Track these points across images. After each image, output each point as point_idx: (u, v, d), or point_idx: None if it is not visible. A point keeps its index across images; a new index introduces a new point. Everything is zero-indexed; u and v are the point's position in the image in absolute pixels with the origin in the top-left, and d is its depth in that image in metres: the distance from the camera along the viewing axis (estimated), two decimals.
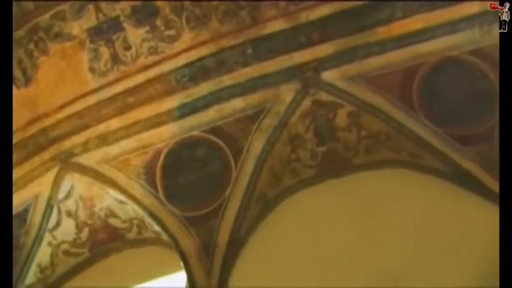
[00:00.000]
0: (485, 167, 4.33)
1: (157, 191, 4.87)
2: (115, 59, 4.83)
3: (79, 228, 5.17)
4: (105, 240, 5.23)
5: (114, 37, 4.81)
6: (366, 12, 4.40)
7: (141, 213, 4.93)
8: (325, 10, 4.44)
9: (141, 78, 4.79)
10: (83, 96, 4.89)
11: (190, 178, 4.82)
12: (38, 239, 5.01)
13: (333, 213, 4.60)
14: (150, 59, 4.79)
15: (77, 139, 4.92)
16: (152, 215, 4.89)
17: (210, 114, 4.76)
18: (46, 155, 4.96)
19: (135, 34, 4.78)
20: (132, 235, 5.19)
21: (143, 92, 4.80)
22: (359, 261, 4.31)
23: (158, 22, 4.74)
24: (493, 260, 3.49)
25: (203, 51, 4.69)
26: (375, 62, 4.47)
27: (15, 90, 4.88)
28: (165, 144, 4.85)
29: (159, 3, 4.71)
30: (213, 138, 4.79)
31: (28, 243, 4.98)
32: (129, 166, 4.90)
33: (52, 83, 4.93)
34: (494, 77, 4.27)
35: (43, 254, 5.09)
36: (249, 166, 4.73)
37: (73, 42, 4.87)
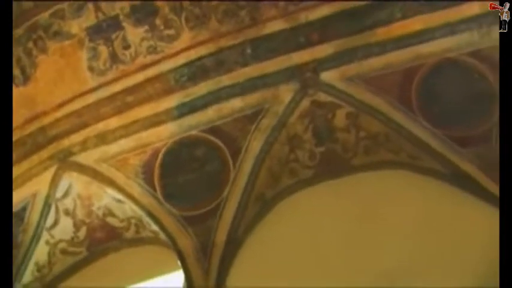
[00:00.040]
0: (484, 169, 4.33)
1: (155, 190, 4.86)
2: (114, 58, 4.82)
3: (77, 227, 5.16)
4: (102, 239, 5.22)
5: (113, 36, 4.80)
6: (365, 13, 4.39)
7: (139, 212, 4.93)
8: (324, 10, 4.44)
9: (140, 77, 4.78)
10: (82, 95, 4.89)
11: (188, 178, 4.82)
12: (36, 237, 5.00)
13: (331, 214, 4.60)
14: (149, 58, 4.79)
15: (76, 138, 4.91)
16: (150, 215, 4.88)
17: (209, 114, 4.76)
18: (44, 153, 4.95)
19: (134, 33, 4.78)
20: (130, 234, 5.19)
21: (142, 91, 4.79)
22: (357, 262, 4.31)
23: (157, 21, 4.74)
24: (491, 260, 3.51)
25: (202, 50, 4.68)
26: (374, 62, 4.47)
27: (13, 89, 4.87)
28: (164, 144, 4.85)
29: (158, 3, 4.71)
30: (212, 138, 4.78)
31: (26, 242, 4.97)
32: (127, 165, 4.90)
33: (51, 82, 4.93)
34: (493, 78, 4.28)
35: (40, 253, 5.09)
36: (247, 166, 4.73)
37: (72, 41, 4.86)
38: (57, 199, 5.01)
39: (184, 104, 4.76)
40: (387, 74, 4.50)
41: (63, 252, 5.21)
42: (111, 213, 5.10)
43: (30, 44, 4.89)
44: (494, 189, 4.20)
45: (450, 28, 4.31)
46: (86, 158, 4.94)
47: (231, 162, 4.75)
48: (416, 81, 4.47)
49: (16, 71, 4.89)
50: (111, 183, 4.92)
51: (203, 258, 4.68)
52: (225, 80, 4.70)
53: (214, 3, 4.63)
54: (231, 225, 4.72)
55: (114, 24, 4.78)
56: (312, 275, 4.35)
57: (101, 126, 4.88)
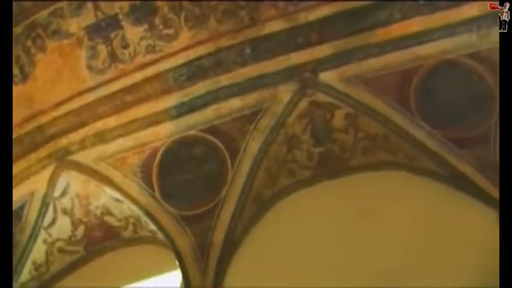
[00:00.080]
0: (481, 170, 4.36)
1: (153, 189, 4.86)
2: (113, 57, 4.82)
3: (74, 226, 5.16)
4: (100, 238, 5.22)
5: (112, 35, 4.80)
6: (364, 14, 4.40)
7: (137, 211, 4.93)
8: (324, 11, 4.45)
9: (138, 76, 4.78)
10: (80, 93, 4.88)
11: (186, 177, 4.82)
12: (33, 236, 5.00)
13: (329, 214, 4.61)
14: (148, 57, 4.78)
15: (74, 137, 4.90)
16: (148, 214, 4.88)
17: (208, 114, 4.76)
18: (42, 152, 4.94)
19: (133, 32, 4.78)
20: (127, 233, 5.18)
21: (141, 90, 4.79)
22: (354, 262, 4.32)
23: (157, 21, 4.74)
24: (488, 261, 3.53)
25: (201, 50, 4.69)
26: (373, 63, 4.48)
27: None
28: (162, 143, 4.85)
29: (158, 2, 4.71)
30: (210, 137, 4.79)
31: (23, 241, 4.96)
32: (125, 164, 4.89)
33: (49, 80, 4.92)
34: (491, 80, 4.30)
35: (38, 252, 5.08)
36: (245, 166, 4.73)
37: (71, 40, 4.86)
38: (55, 198, 5.01)
39: (183, 103, 4.76)
40: (386, 75, 4.51)
41: (61, 251, 5.21)
42: (109, 213, 5.10)
43: (29, 43, 4.88)
44: (492, 190, 4.24)
45: (449, 29, 4.33)
46: (84, 157, 4.93)
47: (229, 162, 4.75)
48: (415, 82, 4.48)
49: (15, 70, 4.87)
50: (109, 182, 4.92)
51: (201, 258, 4.68)
52: (224, 79, 4.70)
53: (213, 3, 4.64)
54: (228, 225, 4.72)
55: (113, 23, 4.78)
56: (309, 275, 4.36)
57: (99, 125, 4.87)
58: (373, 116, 4.59)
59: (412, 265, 4.17)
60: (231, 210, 4.73)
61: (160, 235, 4.87)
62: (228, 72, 4.67)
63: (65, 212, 5.08)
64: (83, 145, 4.91)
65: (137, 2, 4.73)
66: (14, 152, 4.82)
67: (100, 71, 4.85)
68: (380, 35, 4.42)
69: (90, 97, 4.86)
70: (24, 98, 4.91)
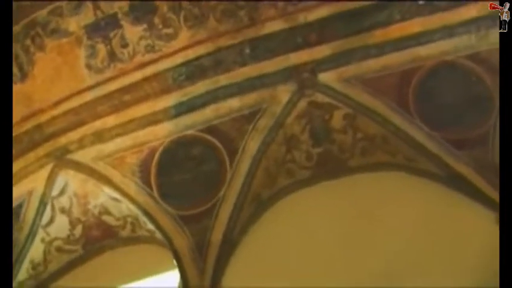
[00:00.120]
0: (479, 171, 4.36)
1: (151, 189, 4.86)
2: (112, 56, 4.82)
3: (72, 225, 5.14)
4: (98, 238, 5.21)
5: (112, 34, 4.79)
6: (364, 15, 4.41)
7: (135, 211, 4.92)
8: (323, 11, 4.45)
9: (137, 76, 4.78)
10: (79, 92, 4.87)
11: (185, 177, 4.81)
12: (31, 235, 4.98)
13: (327, 215, 4.60)
14: (147, 57, 4.78)
15: (72, 136, 4.89)
16: (146, 213, 4.87)
17: (206, 114, 4.76)
18: (41, 151, 4.93)
19: (132, 32, 4.77)
20: (125, 233, 5.17)
21: (139, 89, 4.79)
22: (353, 262, 4.32)
23: (156, 20, 4.73)
24: (486, 262, 3.53)
25: (200, 50, 4.68)
26: (372, 64, 4.48)
27: None
28: (161, 143, 4.84)
29: (157, 2, 4.70)
30: (209, 137, 4.78)
31: (21, 239, 4.95)
32: (124, 164, 4.89)
33: (48, 79, 4.91)
34: (490, 81, 4.31)
35: (36, 251, 5.07)
36: (244, 166, 4.73)
37: (70, 39, 4.85)
38: (53, 197, 5.00)
39: (181, 103, 4.75)
40: (385, 76, 4.51)
41: (59, 250, 5.19)
42: (107, 212, 5.09)
43: (28, 41, 4.87)
44: (490, 191, 4.25)
45: (448, 31, 4.34)
46: (82, 156, 4.92)
47: (227, 162, 4.75)
48: (414, 83, 4.49)
49: (14, 68, 4.85)
50: (108, 181, 4.91)
51: (199, 257, 4.67)
52: (223, 79, 4.70)
53: (213, 2, 4.64)
54: (227, 225, 4.71)
55: (113, 22, 4.78)
56: (308, 276, 4.35)
57: (98, 125, 4.87)
58: (372, 116, 4.59)
59: (410, 265, 4.17)
60: (229, 210, 4.72)
61: (158, 234, 4.86)
62: (227, 72, 4.66)
63: (63, 211, 5.07)
64: (81, 144, 4.90)
65: (136, 2, 4.72)
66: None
67: (99, 70, 4.84)
68: (379, 35, 4.43)
69: (89, 96, 4.86)
70: (23, 96, 4.91)
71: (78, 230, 5.18)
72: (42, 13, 4.84)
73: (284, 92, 4.64)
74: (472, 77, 4.38)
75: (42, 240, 5.08)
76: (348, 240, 4.44)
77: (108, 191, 4.95)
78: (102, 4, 4.75)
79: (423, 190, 4.50)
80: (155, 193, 4.85)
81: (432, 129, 4.47)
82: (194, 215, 4.76)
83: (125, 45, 4.79)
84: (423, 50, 4.39)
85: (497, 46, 3.70)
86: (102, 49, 4.82)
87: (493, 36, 4.16)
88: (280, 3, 4.53)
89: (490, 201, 4.21)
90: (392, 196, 4.52)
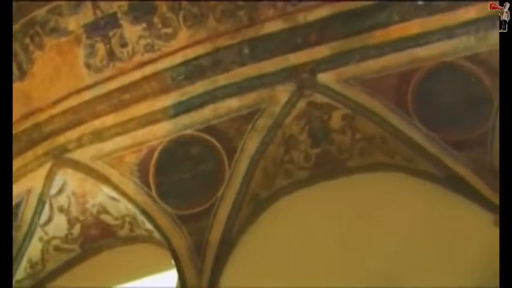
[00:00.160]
0: (478, 172, 4.37)
1: (150, 188, 4.85)
2: (111, 55, 4.82)
3: (71, 224, 5.14)
4: (96, 237, 5.20)
5: (111, 33, 4.80)
6: (363, 15, 4.41)
7: (134, 210, 4.92)
8: (323, 12, 4.45)
9: (137, 75, 4.78)
10: (78, 91, 4.87)
11: (183, 176, 4.81)
12: (29, 234, 4.97)
13: (326, 215, 4.60)
14: (146, 56, 4.78)
15: (71, 135, 4.89)
16: (144, 213, 4.87)
17: (205, 113, 4.76)
18: (39, 150, 4.93)
19: (131, 31, 4.78)
20: (124, 232, 5.17)
21: (139, 89, 4.79)
22: (351, 263, 4.32)
23: (155, 20, 4.74)
24: (484, 262, 3.53)
25: (200, 50, 4.69)
26: (371, 65, 4.48)
27: None
28: (159, 142, 4.84)
29: (156, 2, 4.71)
30: (208, 137, 4.78)
31: (19, 238, 4.94)
32: (122, 163, 4.88)
33: (47, 78, 4.91)
34: (489, 83, 4.32)
35: (34, 250, 5.06)
36: (242, 166, 4.73)
37: (69, 38, 4.85)
38: (52, 196, 4.99)
39: (180, 102, 4.75)
40: (384, 77, 4.52)
41: (57, 249, 5.19)
42: (105, 211, 5.09)
43: (27, 40, 4.87)
44: (488, 192, 4.26)
45: (447, 32, 4.34)
46: (81, 155, 4.92)
47: (226, 162, 4.75)
48: (413, 84, 4.49)
49: (13, 67, 4.86)
50: (106, 180, 4.91)
51: (197, 257, 4.67)
52: (222, 79, 4.70)
53: (212, 2, 4.64)
54: (225, 225, 4.71)
55: (112, 21, 4.78)
56: (306, 276, 4.35)
57: (96, 124, 4.87)
58: (371, 117, 4.59)
59: (409, 266, 4.17)
60: (228, 210, 4.72)
61: (156, 234, 4.86)
62: (226, 72, 4.66)
63: (61, 210, 5.07)
64: (80, 143, 4.90)
65: (136, 1, 4.73)
66: None
67: (98, 69, 4.85)
68: (378, 36, 4.43)
69: (88, 95, 4.86)
70: (22, 95, 4.91)
71: (76, 229, 5.18)
72: (41, 12, 4.84)
73: (283, 92, 4.64)
74: (471, 78, 4.39)
75: (40, 239, 5.08)
76: (347, 240, 4.44)
77: (106, 190, 4.95)
78: (101, 3, 4.76)
79: (421, 191, 4.50)
80: (154, 192, 4.85)
81: (431, 130, 4.47)
82: (192, 214, 4.76)
83: (124, 45, 4.79)
84: (422, 51, 4.39)
85: (497, 47, 3.71)
86: (101, 48, 4.82)
87: (492, 38, 4.17)
88: (280, 3, 4.53)
89: (488, 203, 4.21)
90: (391, 197, 4.52)
